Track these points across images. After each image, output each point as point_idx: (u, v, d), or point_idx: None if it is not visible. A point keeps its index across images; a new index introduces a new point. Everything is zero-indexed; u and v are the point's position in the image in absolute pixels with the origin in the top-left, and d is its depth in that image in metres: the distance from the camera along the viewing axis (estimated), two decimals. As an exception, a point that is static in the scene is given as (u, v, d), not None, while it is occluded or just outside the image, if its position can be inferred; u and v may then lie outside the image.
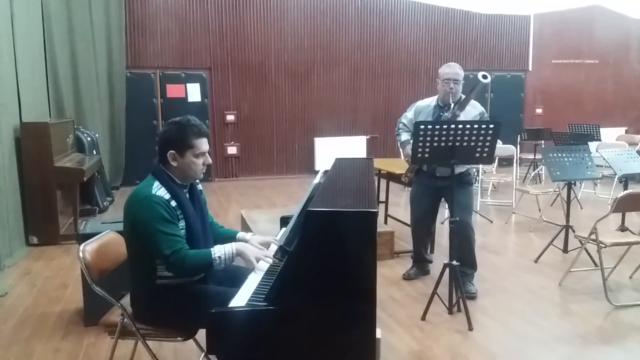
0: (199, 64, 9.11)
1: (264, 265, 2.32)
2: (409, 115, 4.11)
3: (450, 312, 3.61)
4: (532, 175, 8.54)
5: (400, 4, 9.99)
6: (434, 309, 3.60)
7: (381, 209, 5.60)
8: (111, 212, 6.85)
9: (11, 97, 5.15)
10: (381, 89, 10.11)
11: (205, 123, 9.20)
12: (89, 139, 7.11)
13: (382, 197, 5.72)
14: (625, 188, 4.94)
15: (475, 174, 7.51)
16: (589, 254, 4.44)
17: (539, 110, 11.12)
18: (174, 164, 2.34)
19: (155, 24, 8.78)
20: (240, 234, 2.65)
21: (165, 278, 2.31)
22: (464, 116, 3.70)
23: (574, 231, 4.64)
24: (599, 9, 11.06)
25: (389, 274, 4.45)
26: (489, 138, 3.37)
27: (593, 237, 3.87)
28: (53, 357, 3.06)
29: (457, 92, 3.80)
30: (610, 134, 9.48)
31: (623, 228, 5.19)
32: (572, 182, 4.86)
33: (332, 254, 1.90)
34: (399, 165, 4.86)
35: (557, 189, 6.23)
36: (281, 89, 9.60)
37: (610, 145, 7.35)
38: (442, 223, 5.57)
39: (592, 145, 6.73)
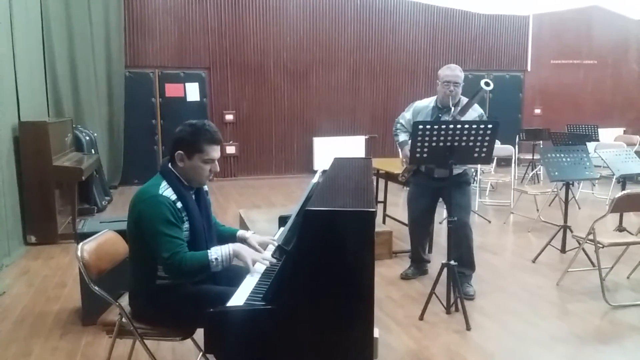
0: (198, 63, 9.11)
1: (260, 267, 2.32)
2: (407, 116, 4.10)
3: (448, 312, 3.61)
4: (531, 175, 8.55)
5: (400, 4, 9.99)
6: (431, 308, 3.60)
7: (379, 208, 5.60)
8: (109, 211, 6.85)
9: (10, 96, 5.14)
10: (380, 89, 10.12)
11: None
12: (87, 138, 7.10)
13: (381, 197, 5.73)
14: (623, 188, 4.95)
15: (474, 174, 7.53)
16: (586, 254, 4.45)
17: (537, 111, 11.14)
18: (181, 164, 2.34)
19: (154, 23, 8.77)
20: (240, 232, 2.65)
21: (164, 278, 2.31)
22: (462, 118, 3.70)
23: (571, 231, 4.64)
24: (598, 9, 11.08)
25: (387, 274, 4.45)
26: (487, 138, 3.37)
27: (591, 237, 3.88)
28: (51, 356, 3.06)
29: (456, 94, 3.79)
30: (608, 135, 9.49)
31: (621, 228, 5.20)
32: (570, 182, 4.87)
33: (330, 254, 1.90)
34: (398, 165, 4.86)
35: (555, 189, 6.24)
36: (280, 89, 9.60)
37: (609, 145, 7.36)
38: (440, 223, 5.58)
39: (591, 145, 6.73)
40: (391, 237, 4.94)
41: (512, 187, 6.78)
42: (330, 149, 9.34)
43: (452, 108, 3.75)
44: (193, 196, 2.41)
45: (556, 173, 4.64)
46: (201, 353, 2.71)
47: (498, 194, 7.71)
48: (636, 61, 11.57)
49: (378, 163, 5.47)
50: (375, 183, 5.58)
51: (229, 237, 2.66)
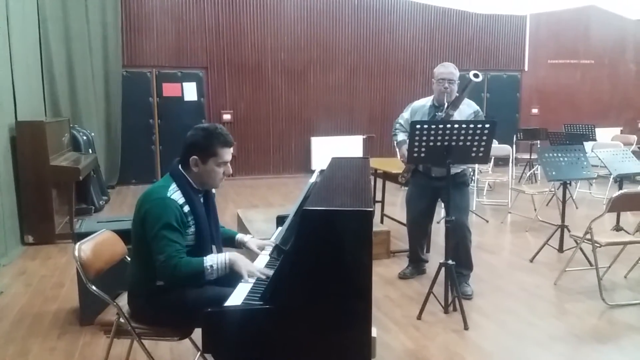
0: (196, 62, 9.10)
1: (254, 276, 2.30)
2: (405, 116, 4.11)
3: (446, 312, 3.61)
4: (528, 175, 8.56)
5: (397, 4, 10.00)
6: (429, 308, 3.61)
7: (377, 208, 5.61)
8: (107, 211, 6.84)
9: (6, 95, 5.13)
10: (378, 89, 10.12)
11: (202, 122, 9.20)
12: (84, 137, 7.09)
13: (378, 197, 5.73)
14: (620, 188, 4.96)
15: (472, 173, 7.53)
16: (584, 253, 4.46)
17: (534, 110, 11.16)
18: (195, 169, 2.35)
19: (152, 23, 8.76)
20: (239, 236, 2.66)
21: None
22: (458, 115, 3.70)
23: (569, 231, 4.65)
24: (595, 9, 11.10)
25: (385, 273, 4.45)
26: (484, 138, 3.38)
27: (588, 236, 3.88)
28: (49, 356, 3.06)
29: (452, 92, 3.80)
30: (605, 134, 9.51)
31: (618, 228, 5.21)
32: (568, 182, 4.88)
33: (328, 253, 1.90)
34: (395, 165, 4.87)
35: (553, 189, 6.25)
36: (278, 88, 9.59)
37: (606, 145, 7.38)
38: (438, 223, 5.58)
39: (588, 145, 6.75)
40: (389, 236, 4.94)
41: (509, 187, 6.78)
42: (328, 149, 9.34)
43: (445, 104, 3.76)
44: (201, 199, 2.41)
45: (554, 173, 4.65)
46: (199, 353, 2.71)
47: (496, 194, 7.72)
48: (633, 61, 11.60)
49: (376, 163, 5.47)
50: (373, 183, 5.58)
51: (227, 239, 2.66)
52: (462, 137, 3.36)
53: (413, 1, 10.06)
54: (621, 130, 11.00)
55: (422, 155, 3.45)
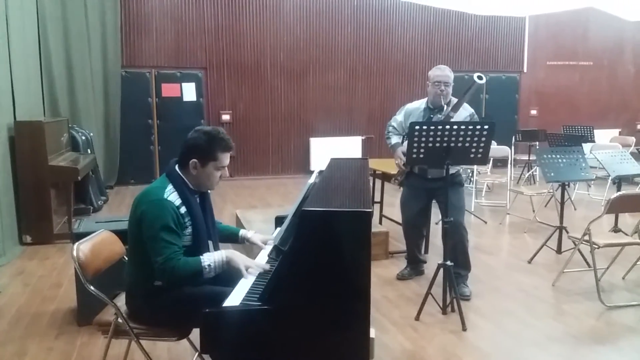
0: (195, 63, 9.10)
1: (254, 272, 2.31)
2: (398, 118, 4.12)
3: (444, 313, 3.62)
4: (527, 176, 8.57)
5: (396, 5, 10.01)
6: (427, 309, 3.61)
7: (376, 209, 5.61)
8: (105, 211, 6.83)
9: (5, 95, 5.13)
10: (377, 90, 10.12)
11: (201, 123, 9.18)
12: (83, 137, 7.08)
13: (377, 198, 5.74)
14: (619, 189, 4.97)
15: (470, 174, 7.54)
16: (582, 254, 4.46)
17: (533, 112, 11.16)
18: (194, 172, 2.35)
19: (151, 23, 8.76)
20: (242, 232, 2.68)
21: None
22: (454, 118, 3.71)
23: (567, 232, 4.66)
24: (594, 11, 11.12)
25: (384, 274, 4.46)
26: (483, 139, 3.38)
27: (586, 238, 3.89)
28: (46, 356, 3.05)
29: (447, 94, 3.82)
30: (604, 136, 9.52)
31: (616, 229, 5.21)
32: (566, 183, 4.89)
33: (327, 254, 1.90)
34: (394, 166, 4.86)
35: (551, 190, 6.26)
36: (277, 89, 9.59)
37: (604, 146, 7.39)
38: (436, 224, 5.58)
39: (586, 146, 6.76)
40: (387, 237, 4.94)
41: (508, 188, 6.79)
42: (327, 150, 9.33)
43: (445, 107, 3.77)
44: (197, 199, 2.42)
45: (552, 174, 4.66)
46: (197, 353, 2.71)
47: (494, 195, 7.72)
48: (632, 63, 11.62)
49: (374, 163, 5.47)
50: (371, 184, 5.58)
51: (230, 235, 2.68)
52: (461, 138, 3.37)
53: (412, 2, 10.07)
54: (620, 132, 11.01)
55: (422, 156, 3.45)
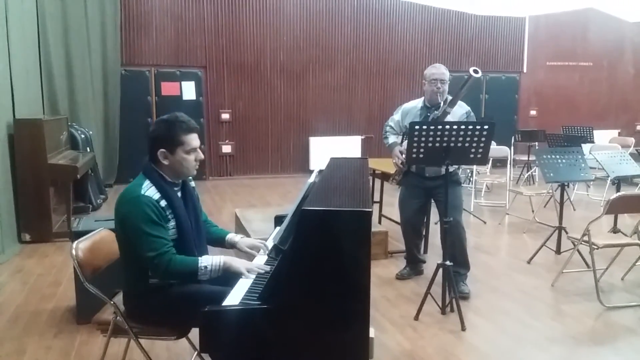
0: (194, 62, 9.09)
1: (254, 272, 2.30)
2: (395, 118, 4.12)
3: (443, 312, 3.62)
4: (526, 176, 8.57)
5: (396, 5, 10.00)
6: (427, 309, 3.61)
7: (375, 208, 5.61)
8: (104, 209, 6.82)
9: (5, 93, 5.12)
10: (376, 89, 10.12)
11: (200, 121, 9.14)
12: (82, 136, 7.08)
13: (377, 197, 5.74)
14: (618, 190, 4.97)
15: (470, 174, 7.54)
16: (581, 255, 4.46)
17: (533, 112, 11.17)
18: (165, 162, 2.33)
19: (151, 22, 8.75)
20: (229, 236, 2.63)
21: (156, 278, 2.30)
22: (451, 116, 3.71)
23: (566, 232, 4.66)
24: (594, 11, 11.13)
25: (383, 274, 4.46)
26: (483, 139, 3.38)
27: (585, 238, 3.89)
28: (45, 355, 3.05)
29: (444, 92, 3.83)
30: (603, 136, 9.53)
31: (615, 230, 5.21)
32: (566, 183, 4.89)
33: (327, 253, 1.90)
34: (392, 166, 4.86)
35: (551, 191, 6.26)
36: (276, 88, 9.59)
37: (604, 147, 7.39)
38: (435, 223, 5.58)
39: (586, 147, 6.76)
40: (387, 237, 4.95)
41: (507, 188, 6.79)
42: (326, 149, 9.33)
43: (441, 104, 3.77)
44: (179, 193, 2.40)
45: (551, 174, 4.66)
46: (196, 352, 2.71)
47: (493, 195, 7.73)
48: (631, 63, 11.63)
49: (374, 163, 5.47)
50: (371, 183, 5.58)
51: (217, 239, 2.64)
52: (460, 138, 3.37)
53: (412, 2, 10.07)
54: (619, 133, 11.03)
55: (421, 156, 3.45)
